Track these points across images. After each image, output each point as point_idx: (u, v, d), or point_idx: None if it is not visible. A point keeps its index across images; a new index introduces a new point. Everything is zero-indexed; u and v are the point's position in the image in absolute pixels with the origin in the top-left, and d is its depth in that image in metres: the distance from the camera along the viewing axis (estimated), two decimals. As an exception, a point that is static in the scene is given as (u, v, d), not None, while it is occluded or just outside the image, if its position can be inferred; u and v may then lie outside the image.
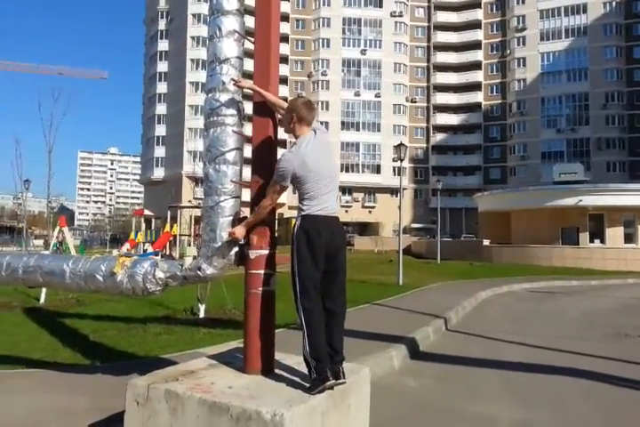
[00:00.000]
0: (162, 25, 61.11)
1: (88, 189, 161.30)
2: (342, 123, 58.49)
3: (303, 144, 2.88)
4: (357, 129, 58.80)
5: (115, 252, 21.62)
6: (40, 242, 40.89)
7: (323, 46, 59.73)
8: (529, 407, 3.93)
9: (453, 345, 6.20)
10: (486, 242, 28.60)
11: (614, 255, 23.40)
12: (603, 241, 25.38)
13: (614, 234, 25.29)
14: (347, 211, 55.35)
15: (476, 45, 61.03)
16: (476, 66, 60.83)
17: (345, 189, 55.02)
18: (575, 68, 54.54)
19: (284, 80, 57.63)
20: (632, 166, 52.53)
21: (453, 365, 5.20)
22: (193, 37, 55.46)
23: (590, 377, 4.75)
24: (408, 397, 4.14)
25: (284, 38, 58.04)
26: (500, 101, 59.22)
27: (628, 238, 25.26)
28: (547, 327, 7.77)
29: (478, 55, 60.74)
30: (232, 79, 3.17)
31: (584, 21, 54.56)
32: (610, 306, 10.82)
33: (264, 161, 3.13)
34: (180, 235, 25.05)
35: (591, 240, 25.62)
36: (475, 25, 61.29)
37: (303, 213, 2.86)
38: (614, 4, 53.83)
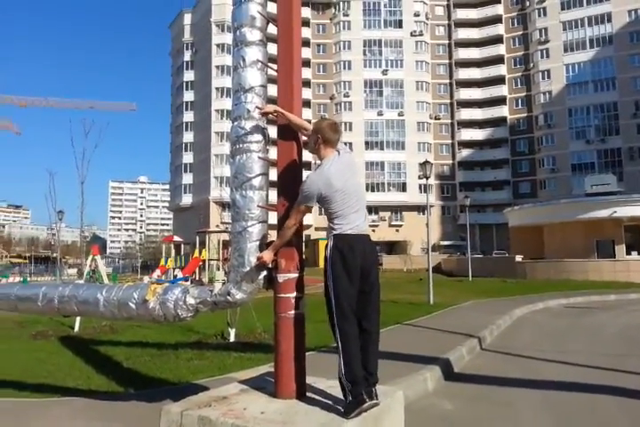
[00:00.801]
0: (187, 56, 63.18)
1: (119, 218, 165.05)
2: (366, 143, 58.77)
3: (327, 165, 2.93)
4: (381, 148, 58.94)
5: (146, 278, 21.98)
6: (74, 271, 41.83)
7: (344, 68, 60.56)
8: (571, 430, 3.79)
9: (489, 365, 6.04)
10: (519, 258, 28.00)
11: (654, 267, 22.62)
12: (640, 253, 24.60)
13: (653, 245, 24.49)
14: (374, 230, 55.04)
15: (498, 60, 60.95)
16: (499, 80, 60.63)
17: (371, 209, 54.82)
18: (602, 77, 53.79)
19: (306, 103, 58.47)
20: (667, 175, 51.01)
21: (489, 385, 5.06)
22: (217, 67, 57.04)
23: (633, 396, 4.55)
24: (443, 420, 4.04)
25: (306, 63, 59.12)
26: (525, 115, 58.69)
27: (668, 249, 24.42)
28: (586, 344, 7.51)
29: (501, 70, 60.60)
30: (257, 107, 3.26)
31: (609, 30, 53.99)
32: (653, 321, 10.40)
33: (290, 184, 3.18)
34: (209, 259, 25.32)
35: (628, 252, 24.86)
36: (496, 40, 61.35)
37: (335, 232, 2.88)
38: (639, 11, 53.22)
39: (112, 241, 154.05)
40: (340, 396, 2.81)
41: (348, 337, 2.76)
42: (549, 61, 56.32)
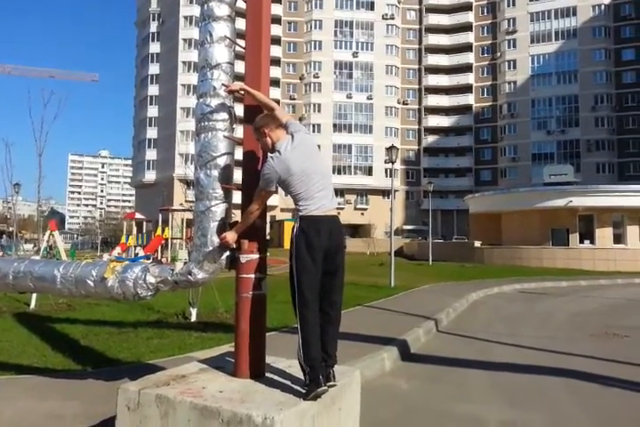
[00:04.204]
0: (153, 27, 61.01)
1: (79, 193, 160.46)
2: (334, 125, 58.65)
3: (282, 149, 2.86)
4: (349, 131, 58.98)
5: (105, 256, 21.52)
6: (30, 246, 40.55)
7: (315, 48, 59.88)
8: (518, 408, 3.98)
9: (444, 346, 6.25)
10: (477, 243, 28.74)
11: (603, 256, 23.61)
12: (592, 242, 25.59)
13: (603, 235, 25.51)
14: (339, 213, 54.44)
15: (467, 48, 61.45)
16: (467, 68, 61.27)
17: (337, 191, 54.76)
18: (565, 70, 55.07)
19: (276, 82, 57.65)
20: (621, 167, 53.08)
21: (444, 366, 5.24)
22: (185, 40, 55.39)
23: (579, 377, 4.81)
24: (399, 398, 4.17)
25: (276, 40, 58.09)
26: (490, 103, 59.63)
27: (617, 239, 25.49)
28: (537, 328, 7.84)
29: (469, 57, 61.16)
30: (223, 84, 3.19)
31: (574, 24, 55.11)
32: (599, 306, 10.92)
33: (255, 165, 3.15)
34: (172, 238, 24.98)
35: (581, 241, 25.82)
36: (466, 27, 61.73)
37: (301, 213, 2.87)
38: (603, 6, 54.42)
39: (71, 216, 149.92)
40: (299, 375, 2.85)
41: (307, 322, 2.77)
42: (516, 52, 57.18)
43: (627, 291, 14.72)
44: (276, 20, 58.22)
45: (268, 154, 2.97)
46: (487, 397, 4.27)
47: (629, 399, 4.20)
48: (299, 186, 2.85)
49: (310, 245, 2.80)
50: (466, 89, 61.01)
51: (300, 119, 59.05)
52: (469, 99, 60.73)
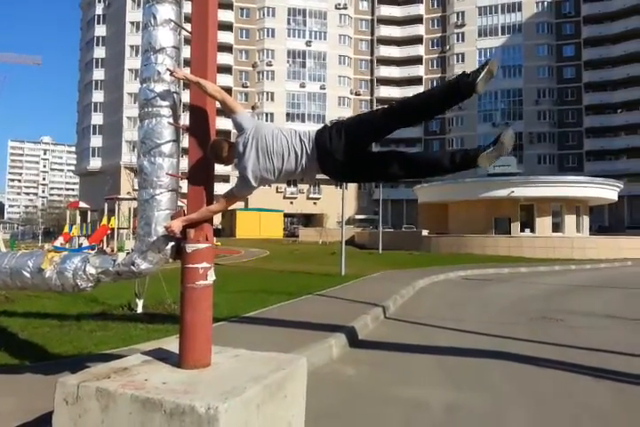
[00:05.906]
0: (99, 9, 58.56)
1: (19, 181, 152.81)
2: (287, 114, 58.32)
3: (245, 164, 2.87)
4: (303, 120, 58.78)
5: (47, 246, 20.67)
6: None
7: (268, 36, 59.11)
8: (460, 390, 4.12)
9: (391, 333, 6.39)
10: (425, 232, 29.45)
11: (543, 244, 24.72)
12: (532, 230, 26.76)
13: (543, 223, 26.71)
14: (292, 202, 55.50)
15: (417, 40, 62.34)
16: (417, 60, 62.23)
17: (290, 181, 54.92)
18: (510, 64, 56.88)
19: (228, 69, 56.63)
20: (561, 159, 55.59)
21: (390, 351, 5.37)
22: (132, 23, 53.42)
23: (517, 360, 5.03)
24: (345, 384, 4.24)
25: (228, 27, 56.96)
26: (440, 96, 60.85)
27: (556, 227, 26.78)
28: (479, 313, 8.14)
29: (420, 50, 62.08)
30: (167, 69, 3.10)
31: (519, 19, 56.89)
32: (537, 292, 11.44)
33: (202, 153, 3.09)
34: (119, 228, 24.25)
35: (522, 230, 26.94)
36: (416, 20, 62.54)
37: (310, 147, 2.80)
38: (546, 3, 56.40)
39: (11, 205, 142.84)
40: (246, 365, 2.85)
41: None
42: (464, 45, 58.53)
43: (563, 277, 15.49)
44: (228, 5, 57.06)
45: (239, 171, 2.92)
46: (432, 380, 4.41)
47: (562, 379, 4.45)
48: (285, 167, 2.85)
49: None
50: (416, 81, 62.01)
51: (253, 108, 58.40)
52: (420, 91, 61.70)
